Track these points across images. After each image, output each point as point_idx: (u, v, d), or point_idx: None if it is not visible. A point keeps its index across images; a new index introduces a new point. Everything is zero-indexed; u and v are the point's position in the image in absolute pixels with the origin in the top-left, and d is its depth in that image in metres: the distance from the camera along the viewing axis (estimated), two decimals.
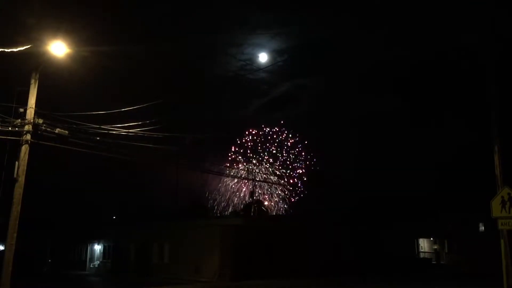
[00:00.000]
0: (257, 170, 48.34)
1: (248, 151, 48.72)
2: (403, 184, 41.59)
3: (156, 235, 32.40)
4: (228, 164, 46.44)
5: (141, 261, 32.90)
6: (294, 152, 49.84)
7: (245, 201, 46.58)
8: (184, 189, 44.32)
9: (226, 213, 47.24)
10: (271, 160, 49.36)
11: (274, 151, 49.54)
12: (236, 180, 48.17)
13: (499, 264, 13.13)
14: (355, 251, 33.53)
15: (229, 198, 50.01)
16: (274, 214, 46.70)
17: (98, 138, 16.24)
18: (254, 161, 48.95)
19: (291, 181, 48.84)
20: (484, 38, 13.93)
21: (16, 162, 14.11)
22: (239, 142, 49.13)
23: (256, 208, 40.85)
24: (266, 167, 49.20)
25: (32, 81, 14.87)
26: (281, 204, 48.54)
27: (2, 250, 17.63)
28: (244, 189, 48.73)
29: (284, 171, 48.98)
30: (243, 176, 46.89)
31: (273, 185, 48.29)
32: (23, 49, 13.78)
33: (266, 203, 47.62)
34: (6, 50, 13.41)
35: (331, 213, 38.83)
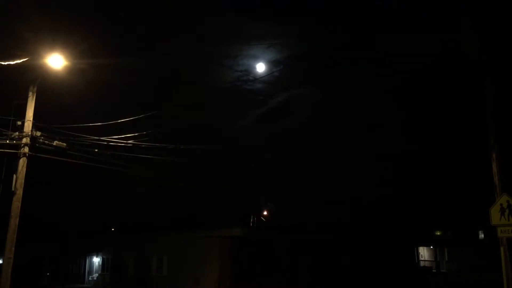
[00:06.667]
0: None
1: None
2: (401, 192, 41.59)
3: (155, 247, 32.25)
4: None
5: (140, 274, 32.70)
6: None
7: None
8: (182, 198, 44.21)
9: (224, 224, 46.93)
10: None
11: None
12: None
13: (499, 271, 13.11)
14: (355, 260, 33.39)
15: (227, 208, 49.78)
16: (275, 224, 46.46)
17: (96, 150, 16.22)
18: None
19: None
20: (482, 44, 13.99)
21: (14, 175, 14.09)
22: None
23: (255, 218, 40.64)
24: None
25: (30, 94, 14.90)
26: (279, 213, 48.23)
27: (0, 264, 17.51)
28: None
29: None
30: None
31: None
32: (21, 62, 13.82)
33: (265, 213, 47.43)
34: (3, 63, 13.45)
35: (330, 223, 38.70)
